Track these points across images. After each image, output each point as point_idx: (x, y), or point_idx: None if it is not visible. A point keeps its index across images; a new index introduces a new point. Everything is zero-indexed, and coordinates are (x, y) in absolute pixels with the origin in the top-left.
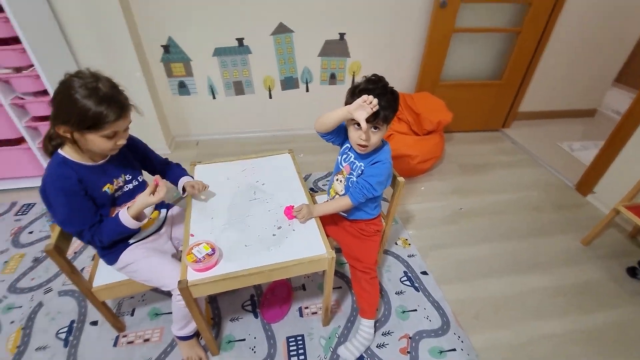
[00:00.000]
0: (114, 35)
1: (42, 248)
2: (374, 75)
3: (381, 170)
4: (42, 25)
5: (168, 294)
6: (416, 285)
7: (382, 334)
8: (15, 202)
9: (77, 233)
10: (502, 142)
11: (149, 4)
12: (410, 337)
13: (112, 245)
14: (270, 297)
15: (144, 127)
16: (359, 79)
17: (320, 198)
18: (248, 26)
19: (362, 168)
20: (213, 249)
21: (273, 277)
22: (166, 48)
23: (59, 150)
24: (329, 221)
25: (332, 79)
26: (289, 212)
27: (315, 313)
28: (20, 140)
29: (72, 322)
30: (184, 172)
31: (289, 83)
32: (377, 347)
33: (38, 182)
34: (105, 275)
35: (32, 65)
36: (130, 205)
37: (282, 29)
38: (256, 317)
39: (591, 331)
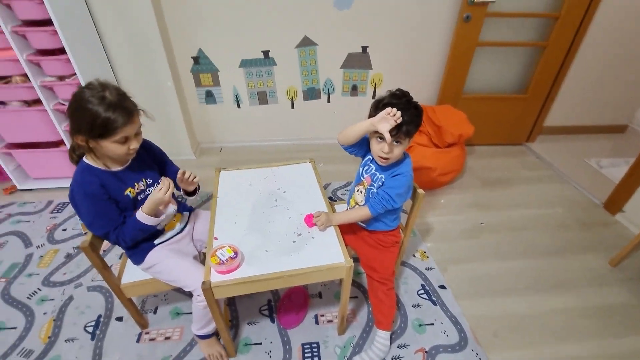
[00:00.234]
0: (149, 48)
1: (74, 245)
2: (399, 89)
3: (402, 182)
4: (85, 37)
5: (189, 295)
6: (434, 299)
7: (398, 346)
8: (51, 201)
9: (104, 235)
10: (526, 156)
11: (182, 18)
12: (426, 351)
13: (137, 245)
14: (287, 303)
15: (172, 133)
16: (380, 91)
17: (339, 207)
18: (274, 39)
19: (383, 180)
20: (236, 253)
21: (292, 282)
22: (196, 59)
23: (83, 159)
24: (347, 230)
25: (354, 90)
26: (310, 220)
27: (331, 321)
28: (58, 143)
29: (99, 316)
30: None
31: (311, 94)
32: (392, 359)
33: None
34: (132, 273)
35: (74, 74)
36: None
37: (306, 42)
38: (273, 322)
39: (616, 357)
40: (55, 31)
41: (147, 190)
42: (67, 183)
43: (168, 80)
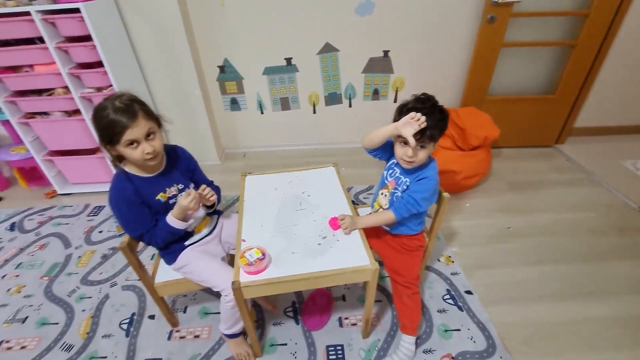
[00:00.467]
0: (178, 59)
1: (109, 246)
2: (424, 94)
3: (427, 186)
4: (120, 51)
5: (216, 295)
6: (460, 304)
7: (423, 351)
8: (88, 205)
9: (138, 236)
10: (555, 159)
11: (209, 30)
12: (453, 357)
13: (169, 246)
14: (311, 305)
15: (199, 139)
16: (402, 94)
17: (362, 211)
18: (296, 47)
19: (408, 183)
20: (263, 254)
21: (318, 284)
22: (222, 68)
23: (121, 165)
24: (371, 234)
25: (375, 94)
26: (334, 222)
27: (355, 324)
28: (95, 150)
29: (133, 314)
30: (218, 195)
31: (332, 99)
32: None
33: (108, 187)
34: (164, 273)
35: (110, 85)
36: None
37: (328, 48)
38: (297, 323)
39: None
40: (94, 45)
41: (179, 195)
42: (102, 188)
43: (196, 89)
